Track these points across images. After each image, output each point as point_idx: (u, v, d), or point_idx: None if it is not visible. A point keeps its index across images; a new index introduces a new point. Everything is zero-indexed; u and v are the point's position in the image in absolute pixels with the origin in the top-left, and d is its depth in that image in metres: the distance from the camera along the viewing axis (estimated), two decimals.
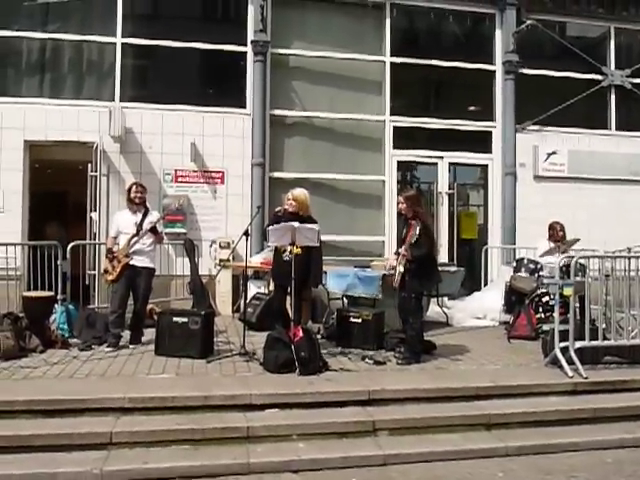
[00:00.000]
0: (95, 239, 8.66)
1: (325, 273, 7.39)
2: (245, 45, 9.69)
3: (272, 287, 7.68)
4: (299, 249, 6.15)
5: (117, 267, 6.60)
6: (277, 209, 6.69)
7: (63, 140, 9.00)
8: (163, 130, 9.31)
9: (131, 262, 6.61)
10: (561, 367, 5.68)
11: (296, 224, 6.02)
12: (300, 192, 6.58)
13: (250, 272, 8.63)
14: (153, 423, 4.61)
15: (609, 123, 11.05)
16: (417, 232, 5.90)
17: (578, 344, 5.73)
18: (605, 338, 5.98)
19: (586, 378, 5.53)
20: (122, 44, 9.35)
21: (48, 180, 10.20)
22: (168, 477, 4.12)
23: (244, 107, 9.68)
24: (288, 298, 6.42)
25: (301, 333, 5.66)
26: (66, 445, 4.34)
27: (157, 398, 4.84)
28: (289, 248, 6.15)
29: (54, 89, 9.35)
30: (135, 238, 6.61)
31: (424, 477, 4.25)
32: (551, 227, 8.19)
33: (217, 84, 9.94)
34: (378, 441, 4.67)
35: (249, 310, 7.61)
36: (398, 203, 6.39)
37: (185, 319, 6.19)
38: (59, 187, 11.09)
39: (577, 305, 6.34)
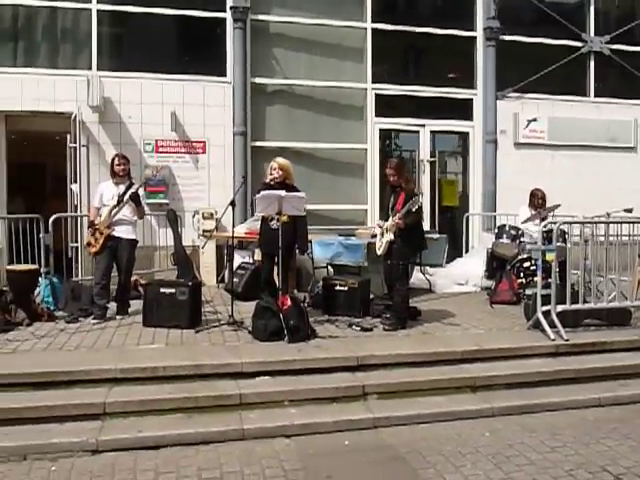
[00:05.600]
0: (76, 211, 8.55)
1: (310, 242, 7.42)
2: (224, 11, 9.50)
3: (257, 257, 7.71)
4: (286, 217, 6.15)
5: (99, 239, 6.55)
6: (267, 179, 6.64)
7: (39, 110, 8.77)
8: (142, 99, 9.14)
9: (113, 233, 6.56)
10: (543, 330, 5.83)
11: (283, 193, 6.01)
12: (284, 160, 6.56)
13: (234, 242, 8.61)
14: (145, 393, 4.65)
15: (588, 90, 11.11)
16: (420, 200, 6.01)
17: (559, 308, 5.88)
18: (585, 302, 6.14)
19: (567, 340, 5.69)
20: (97, 10, 9.11)
21: (26, 152, 10.00)
22: (163, 444, 4.17)
23: (224, 75, 9.54)
24: (275, 267, 6.45)
25: (289, 302, 5.71)
26: (59, 416, 4.36)
27: (148, 368, 4.88)
28: (277, 216, 6.15)
29: (29, 58, 9.09)
30: (116, 209, 6.56)
31: (414, 438, 4.36)
32: (532, 194, 8.26)
33: (197, 52, 9.73)
34: (368, 405, 4.77)
35: (235, 280, 7.63)
36: (389, 175, 6.31)
37: (173, 290, 6.19)
38: (38, 159, 10.89)
39: (557, 270, 6.47)
